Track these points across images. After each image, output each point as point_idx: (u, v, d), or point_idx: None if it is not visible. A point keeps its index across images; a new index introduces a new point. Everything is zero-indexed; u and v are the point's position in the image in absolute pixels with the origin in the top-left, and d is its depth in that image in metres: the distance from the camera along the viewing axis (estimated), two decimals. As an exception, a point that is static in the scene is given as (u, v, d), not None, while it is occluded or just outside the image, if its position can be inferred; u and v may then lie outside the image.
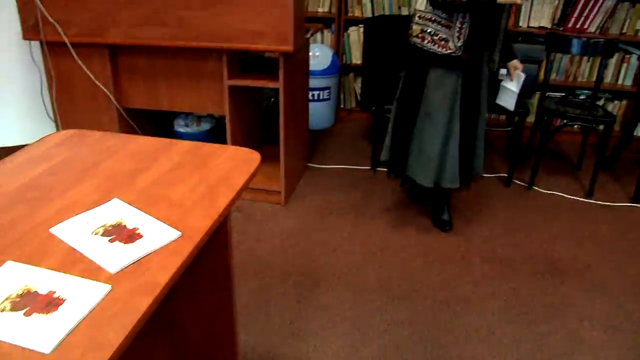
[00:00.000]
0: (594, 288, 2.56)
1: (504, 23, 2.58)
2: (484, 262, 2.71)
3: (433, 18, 2.51)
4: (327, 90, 4.19)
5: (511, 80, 2.89)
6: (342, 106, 4.53)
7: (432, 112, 2.61)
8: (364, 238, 2.85)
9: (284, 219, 3.00)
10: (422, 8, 2.55)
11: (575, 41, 3.60)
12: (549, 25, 4.09)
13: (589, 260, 2.77)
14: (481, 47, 2.57)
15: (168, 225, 1.23)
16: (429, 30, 2.52)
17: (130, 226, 1.23)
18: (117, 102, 3.05)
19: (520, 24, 4.11)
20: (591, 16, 4.00)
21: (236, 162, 1.54)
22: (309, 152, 3.75)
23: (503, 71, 2.98)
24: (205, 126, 3.44)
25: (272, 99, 4.23)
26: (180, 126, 3.43)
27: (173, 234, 1.20)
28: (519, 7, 2.53)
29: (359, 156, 3.80)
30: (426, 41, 2.54)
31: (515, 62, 2.86)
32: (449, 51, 2.49)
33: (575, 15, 4.02)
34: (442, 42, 2.50)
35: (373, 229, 2.95)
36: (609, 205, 3.35)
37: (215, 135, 3.49)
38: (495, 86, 2.94)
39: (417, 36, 2.57)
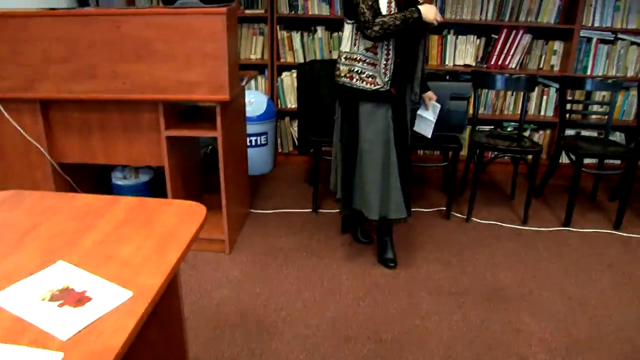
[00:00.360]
0: (538, 311, 2.64)
1: (421, 55, 2.73)
2: (431, 294, 2.75)
3: (358, 58, 2.63)
4: (264, 136, 4.22)
5: (427, 109, 3.02)
6: (279, 150, 4.57)
7: (369, 148, 2.70)
8: (311, 281, 2.85)
9: (229, 267, 2.96)
10: (347, 49, 2.67)
11: (499, 77, 3.80)
12: (473, 63, 4.30)
13: (531, 285, 2.86)
14: (405, 80, 2.71)
15: (118, 285, 1.20)
16: (356, 70, 2.64)
17: (78, 289, 1.19)
18: (50, 158, 2.96)
19: (447, 63, 4.30)
20: (511, 53, 4.24)
21: (182, 216, 1.53)
22: (250, 198, 3.74)
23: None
24: (144, 178, 3.38)
25: (210, 147, 4.22)
26: (118, 179, 3.35)
27: (124, 294, 1.17)
28: (432, 28, 2.67)
29: (300, 199, 3.82)
30: (354, 80, 2.65)
31: (429, 93, 3.03)
32: (377, 87, 2.61)
33: (496, 53, 4.24)
34: (370, 79, 2.62)
35: (319, 271, 2.95)
36: (543, 230, 3.49)
37: (154, 186, 3.43)
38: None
39: (345, 76, 2.69)
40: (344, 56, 2.69)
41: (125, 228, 1.45)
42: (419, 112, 3.07)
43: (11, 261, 1.29)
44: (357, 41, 2.62)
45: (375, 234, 3.18)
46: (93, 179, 3.39)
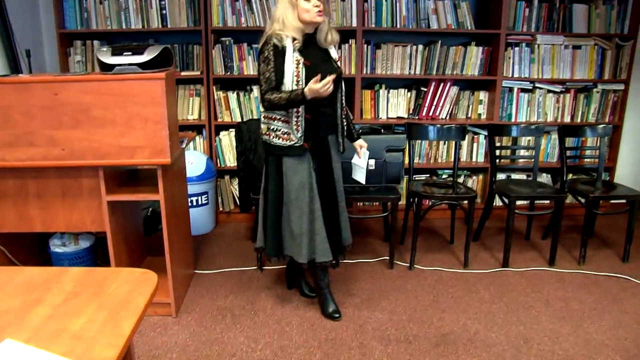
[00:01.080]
0: (485, 352, 2.71)
1: (339, 109, 2.91)
2: (381, 344, 2.78)
3: (274, 116, 2.79)
4: (205, 195, 4.22)
5: (359, 157, 3.16)
6: (220, 209, 4.56)
7: (294, 197, 2.83)
8: (262, 339, 2.83)
9: (177, 331, 2.90)
10: (264, 109, 2.82)
11: (431, 128, 3.97)
12: (405, 115, 4.48)
13: (477, 326, 2.94)
14: (326, 132, 2.87)
15: None
16: (272, 127, 2.80)
17: (30, 366, 1.16)
18: (-17, 229, 2.87)
19: (381, 116, 4.46)
20: (440, 105, 4.45)
21: (133, 285, 1.52)
22: (194, 258, 3.70)
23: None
24: (84, 244, 3.30)
25: (150, 208, 4.17)
26: (56, 246, 3.26)
27: (80, 367, 1.15)
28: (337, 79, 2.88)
29: (244, 257, 3.81)
30: (272, 137, 2.81)
31: (360, 142, 3.17)
32: (292, 142, 2.77)
33: (427, 105, 4.45)
34: (285, 136, 2.78)
35: (269, 328, 2.93)
36: (483, 272, 3.61)
37: (96, 252, 3.35)
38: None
39: (265, 134, 2.85)
40: (263, 115, 2.86)
41: (75, 300, 1.43)
42: (352, 160, 3.19)
43: (-45, 342, 1.25)
44: None
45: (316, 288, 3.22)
46: (30, 247, 3.28)
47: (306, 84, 2.65)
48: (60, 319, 1.34)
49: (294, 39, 2.70)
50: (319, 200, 2.86)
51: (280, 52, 2.68)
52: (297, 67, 2.69)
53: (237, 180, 4.44)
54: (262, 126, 2.87)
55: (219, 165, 4.43)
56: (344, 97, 2.96)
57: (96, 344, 1.23)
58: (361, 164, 3.17)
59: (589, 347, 2.77)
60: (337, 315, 3.05)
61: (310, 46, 2.79)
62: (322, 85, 2.57)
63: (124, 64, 2.63)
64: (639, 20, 4.40)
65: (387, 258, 3.74)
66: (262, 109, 2.84)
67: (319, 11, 2.70)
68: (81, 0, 4.08)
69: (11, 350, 1.21)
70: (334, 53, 2.92)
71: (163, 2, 4.10)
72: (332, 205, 2.95)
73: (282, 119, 2.77)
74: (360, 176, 3.20)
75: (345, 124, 2.99)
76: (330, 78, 2.59)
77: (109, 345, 1.23)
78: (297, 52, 2.70)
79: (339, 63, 2.93)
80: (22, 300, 1.43)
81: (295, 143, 2.77)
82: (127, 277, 1.55)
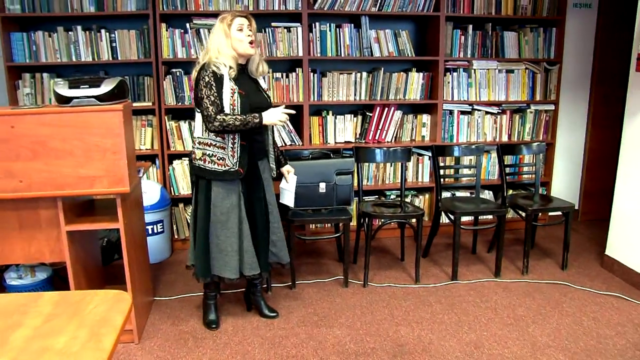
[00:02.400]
0: (439, 359, 2.86)
1: (270, 136, 3.14)
2: (341, 358, 2.89)
3: (210, 142, 2.94)
4: (160, 223, 4.26)
5: (287, 182, 3.34)
6: (176, 237, 4.59)
7: (225, 219, 2.99)
8: (225, 360, 2.90)
9: (141, 356, 2.93)
10: (200, 135, 2.98)
11: (377, 151, 4.16)
12: (353, 140, 4.66)
13: (430, 337, 3.09)
14: (253, 160, 3.02)
15: (59, 373, 1.25)
16: (208, 153, 2.94)
17: (19, 382, 1.22)
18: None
19: (329, 141, 4.62)
20: (385, 128, 4.65)
21: (109, 304, 1.59)
22: (152, 286, 3.73)
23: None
24: (41, 275, 3.29)
25: (105, 239, 4.17)
26: (12, 279, 3.23)
27: (68, 380, 1.22)
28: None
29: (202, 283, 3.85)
30: (207, 162, 2.95)
31: (287, 167, 3.36)
32: (227, 168, 2.92)
33: (373, 129, 4.64)
34: (221, 161, 2.93)
35: (231, 349, 2.99)
36: (434, 286, 3.78)
37: (53, 283, 3.35)
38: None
39: (200, 159, 2.98)
40: (197, 141, 3.00)
41: (54, 321, 1.49)
42: (280, 185, 3.35)
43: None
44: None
45: (265, 306, 3.39)
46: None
47: (241, 112, 2.85)
48: (43, 339, 1.40)
49: (230, 67, 2.87)
50: (248, 221, 3.04)
51: (218, 79, 2.85)
52: (232, 96, 2.86)
53: (191, 207, 4.50)
54: (197, 152, 3.00)
55: (172, 193, 4.48)
56: (273, 126, 3.15)
57: (81, 359, 1.30)
58: (289, 188, 3.34)
59: (534, 349, 2.96)
60: (273, 313, 3.34)
61: (243, 76, 2.98)
62: (281, 114, 2.83)
63: (82, 97, 2.70)
64: (563, 46, 4.76)
65: (342, 277, 3.86)
66: (197, 135, 2.98)
67: (251, 42, 2.92)
68: (29, 33, 4.10)
69: (-1, 369, 1.27)
70: (263, 84, 3.14)
71: (113, 35, 4.17)
72: (263, 226, 3.13)
73: (217, 145, 2.92)
74: (288, 200, 3.37)
75: (276, 150, 3.22)
76: (288, 111, 2.85)
77: (93, 359, 1.30)
78: (232, 81, 2.87)
79: (268, 92, 3.16)
80: (1, 324, 1.48)
81: (230, 168, 2.92)
82: (103, 298, 1.62)
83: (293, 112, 2.92)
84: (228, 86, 2.85)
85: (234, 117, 2.82)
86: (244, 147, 2.92)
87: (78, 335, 1.41)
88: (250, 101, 2.89)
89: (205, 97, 2.82)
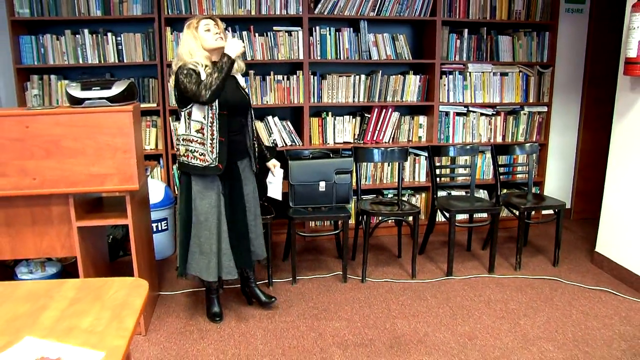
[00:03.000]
0: (435, 350, 2.99)
1: (250, 133, 3.24)
2: (340, 348, 3.02)
3: (191, 139, 3.06)
4: (164, 221, 4.39)
5: (273, 176, 3.46)
6: (179, 234, 4.71)
7: (204, 219, 3.11)
8: (228, 351, 3.01)
9: (148, 347, 3.06)
10: (183, 132, 3.10)
11: (375, 151, 4.29)
12: (351, 140, 4.79)
13: (426, 329, 3.23)
14: (231, 160, 3.12)
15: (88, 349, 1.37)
16: (190, 149, 3.07)
17: (53, 357, 1.34)
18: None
19: (328, 142, 4.75)
20: (383, 129, 4.78)
21: (128, 290, 1.72)
22: (157, 281, 3.85)
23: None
24: (51, 270, 3.42)
25: (111, 236, 4.30)
26: (23, 274, 3.36)
27: (97, 355, 1.34)
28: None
29: (206, 278, 3.98)
30: (189, 157, 3.08)
31: (272, 161, 3.47)
32: (207, 163, 3.04)
33: (371, 130, 4.77)
34: (202, 157, 3.05)
35: (234, 340, 3.12)
36: (430, 281, 3.92)
37: (62, 278, 3.45)
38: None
39: (184, 155, 3.10)
40: (182, 138, 3.12)
41: (79, 304, 1.62)
42: (267, 179, 3.47)
43: (-24, 344, 1.41)
44: (189, 125, 3.05)
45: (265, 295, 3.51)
46: (-4, 277, 3.37)
47: (220, 109, 2.99)
48: (70, 319, 1.53)
49: (205, 66, 2.98)
50: (228, 222, 3.15)
51: (197, 74, 2.94)
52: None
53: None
54: (181, 148, 3.12)
55: (176, 192, 4.60)
56: (254, 123, 3.28)
57: (107, 336, 1.43)
58: (275, 182, 3.45)
59: (525, 340, 3.09)
60: (272, 298, 3.47)
61: None
62: (238, 40, 2.95)
63: (94, 98, 2.83)
64: (556, 50, 4.90)
65: (341, 273, 3.99)
66: (180, 132, 3.10)
67: (219, 37, 3.03)
68: (38, 36, 4.23)
69: (32, 345, 1.40)
70: (241, 81, 3.24)
71: (119, 38, 4.30)
72: (245, 226, 3.26)
73: (198, 141, 3.04)
74: (275, 193, 3.48)
75: (256, 147, 3.30)
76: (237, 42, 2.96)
77: (117, 337, 1.43)
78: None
79: (247, 90, 3.26)
80: (29, 307, 1.61)
81: (210, 164, 3.04)
82: (122, 284, 1.75)
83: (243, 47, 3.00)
84: None
85: (208, 74, 2.90)
86: (222, 143, 3.02)
87: (102, 317, 1.54)
88: (228, 97, 3.01)
89: (187, 84, 2.90)
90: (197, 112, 3.00)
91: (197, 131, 3.03)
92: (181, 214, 3.17)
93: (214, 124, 3.00)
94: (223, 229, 3.14)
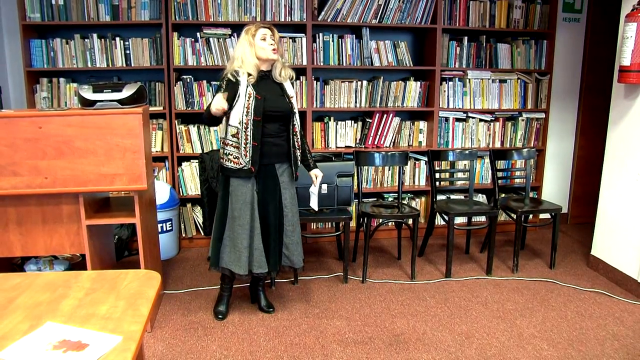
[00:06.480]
0: (433, 348, 3.08)
1: (292, 140, 3.28)
2: (341, 346, 3.11)
3: (228, 142, 3.20)
4: (169, 222, 4.48)
5: (315, 186, 3.52)
6: (183, 235, 4.81)
7: (238, 215, 3.22)
8: (232, 347, 3.09)
9: (153, 344, 3.14)
10: (223, 135, 3.28)
11: (376, 155, 4.39)
12: (353, 144, 4.89)
13: (424, 328, 3.32)
14: (268, 161, 3.23)
15: (107, 333, 1.46)
16: (226, 152, 3.21)
17: (74, 339, 1.44)
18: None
19: (330, 145, 4.85)
20: (384, 134, 4.88)
21: (142, 281, 1.81)
22: (162, 280, 3.93)
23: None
24: (59, 268, 3.51)
25: (116, 237, 4.39)
26: (32, 271, 3.45)
27: (115, 338, 1.44)
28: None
29: (209, 277, 4.05)
30: (225, 160, 3.21)
31: (315, 171, 3.52)
32: (240, 166, 3.17)
33: (372, 134, 4.87)
34: (235, 160, 3.17)
35: (238, 337, 3.20)
36: (429, 283, 4.00)
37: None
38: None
39: (221, 158, 3.25)
40: (222, 141, 3.29)
41: (95, 294, 1.71)
42: (310, 189, 3.53)
43: (0, 329, 1.50)
44: (227, 129, 3.21)
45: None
46: (4, 271, 3.45)
47: (255, 115, 3.10)
48: (87, 307, 1.62)
49: (249, 75, 3.11)
50: (259, 219, 3.25)
51: (233, 85, 3.09)
52: (248, 100, 3.09)
53: (198, 207, 4.73)
54: (221, 151, 3.29)
55: (181, 194, 4.70)
56: (298, 130, 3.34)
57: (123, 322, 1.52)
58: (314, 192, 3.52)
59: (521, 339, 3.18)
60: (270, 309, 3.54)
61: (267, 82, 3.22)
62: (218, 102, 2.96)
63: (105, 100, 2.93)
64: (553, 58, 5.01)
65: (342, 274, 4.08)
66: (222, 136, 3.28)
67: (274, 49, 3.13)
68: (47, 40, 4.33)
69: (54, 329, 1.49)
70: (289, 89, 3.32)
71: (127, 43, 4.40)
72: (275, 227, 3.32)
73: (233, 144, 3.17)
74: (312, 203, 3.54)
75: (298, 154, 3.35)
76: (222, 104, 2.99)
77: (133, 323, 1.52)
78: (251, 86, 3.10)
79: (293, 99, 3.31)
80: (49, 296, 1.70)
81: (243, 166, 3.16)
82: (135, 276, 1.84)
83: (225, 105, 3.05)
84: (245, 91, 3.08)
85: (206, 111, 3.09)
86: (255, 148, 3.14)
87: (117, 305, 1.63)
88: (267, 105, 3.12)
89: (215, 94, 3.09)
90: (234, 117, 3.14)
91: (233, 135, 3.16)
92: (218, 210, 3.30)
93: (248, 129, 3.11)
94: (256, 226, 3.24)
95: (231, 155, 3.17)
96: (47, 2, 4.25)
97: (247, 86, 3.10)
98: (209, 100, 4.56)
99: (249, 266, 3.27)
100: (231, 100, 3.09)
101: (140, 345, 1.45)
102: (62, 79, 4.45)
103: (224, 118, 3.18)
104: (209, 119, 3.10)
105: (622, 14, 3.84)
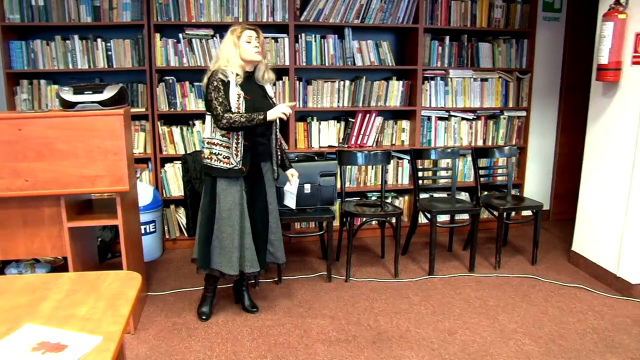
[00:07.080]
0: (416, 345, 3.10)
1: (274, 140, 3.34)
2: (324, 345, 3.12)
3: (216, 142, 3.19)
4: (153, 224, 4.46)
5: (290, 184, 3.55)
6: (167, 237, 4.79)
7: (226, 216, 3.22)
8: (215, 347, 3.10)
9: (136, 345, 3.13)
10: (208, 135, 3.24)
11: (359, 154, 4.41)
12: (336, 144, 4.91)
13: (408, 325, 3.34)
14: (255, 160, 3.26)
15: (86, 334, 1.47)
16: (214, 152, 3.19)
17: (53, 341, 1.43)
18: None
19: (313, 145, 4.86)
20: (367, 133, 4.91)
21: (122, 282, 1.81)
22: (146, 282, 3.93)
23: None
24: (41, 271, 3.49)
25: (99, 239, 4.37)
26: (13, 274, 3.42)
27: (95, 339, 1.44)
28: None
29: (193, 279, 4.04)
30: (213, 160, 3.20)
31: (291, 171, 3.56)
32: (231, 166, 3.17)
33: (355, 134, 4.89)
34: (225, 159, 3.17)
35: (222, 338, 3.21)
36: (412, 281, 4.03)
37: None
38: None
39: (207, 158, 3.23)
40: (206, 141, 3.26)
41: (75, 295, 1.71)
42: (285, 187, 3.56)
43: (-22, 331, 1.49)
44: (214, 129, 3.19)
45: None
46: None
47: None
48: (67, 308, 1.62)
49: (236, 75, 3.11)
50: (249, 219, 3.26)
51: (225, 85, 3.10)
52: (238, 100, 3.11)
53: (182, 208, 4.72)
54: (205, 151, 3.25)
55: (164, 195, 4.69)
56: (278, 130, 3.38)
57: (102, 323, 1.53)
58: (292, 190, 3.55)
59: (503, 335, 3.22)
60: (254, 309, 3.54)
61: (250, 83, 3.23)
62: (285, 107, 3.10)
63: (86, 102, 2.92)
64: (534, 56, 5.06)
65: (325, 273, 4.10)
66: (206, 135, 3.24)
67: (258, 51, 3.16)
68: (28, 42, 4.31)
69: (32, 331, 1.49)
70: (270, 90, 3.37)
71: (109, 44, 4.39)
72: (262, 225, 3.36)
73: (223, 144, 3.16)
74: (290, 202, 3.57)
75: (279, 153, 3.41)
76: (291, 104, 3.19)
77: (113, 323, 1.53)
78: (239, 86, 3.11)
79: (274, 99, 3.37)
80: (28, 298, 1.69)
81: (234, 166, 3.16)
82: (116, 277, 1.84)
83: (294, 103, 3.14)
84: (234, 91, 3.10)
85: (239, 114, 3.06)
86: (247, 148, 3.16)
87: (97, 306, 1.63)
88: (255, 106, 3.14)
89: (214, 99, 3.08)
90: None
91: (223, 135, 3.16)
92: (204, 212, 3.27)
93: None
94: (246, 225, 3.25)
95: (220, 155, 3.16)
96: (27, 3, 4.22)
97: (236, 86, 3.12)
98: (191, 101, 4.57)
99: (240, 266, 3.27)
100: (227, 97, 3.10)
101: (120, 346, 1.46)
102: (42, 81, 4.43)
103: (209, 118, 3.20)
104: (254, 126, 3.11)
105: (599, 13, 3.90)
